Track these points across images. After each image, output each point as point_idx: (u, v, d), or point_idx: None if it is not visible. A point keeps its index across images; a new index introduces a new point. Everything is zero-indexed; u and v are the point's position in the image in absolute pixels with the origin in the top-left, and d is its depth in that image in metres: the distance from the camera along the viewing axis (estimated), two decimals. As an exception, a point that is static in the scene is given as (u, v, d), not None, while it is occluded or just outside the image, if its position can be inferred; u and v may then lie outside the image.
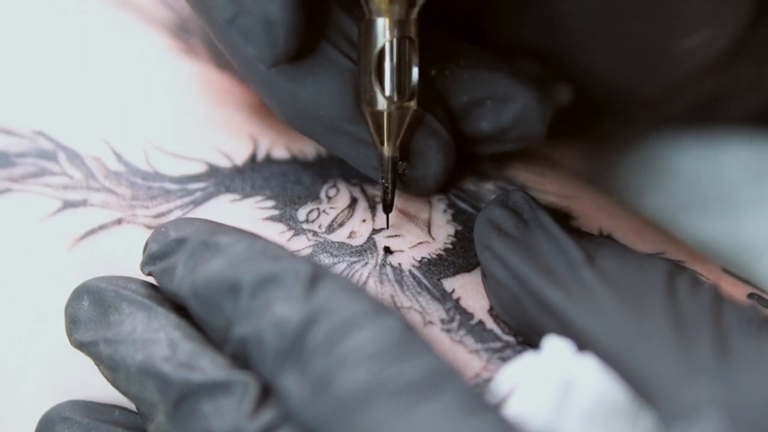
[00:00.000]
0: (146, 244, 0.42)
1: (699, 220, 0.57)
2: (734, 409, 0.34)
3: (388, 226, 0.46)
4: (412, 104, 0.43)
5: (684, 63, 0.49)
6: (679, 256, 0.46)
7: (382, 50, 0.42)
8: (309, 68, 0.43)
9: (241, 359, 0.38)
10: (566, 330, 0.38)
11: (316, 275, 0.37)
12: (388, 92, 0.42)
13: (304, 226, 0.45)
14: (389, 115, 0.43)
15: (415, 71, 0.43)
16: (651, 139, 0.60)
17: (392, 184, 0.44)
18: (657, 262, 0.39)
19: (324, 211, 0.46)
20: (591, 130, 0.57)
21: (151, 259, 0.41)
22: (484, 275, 0.43)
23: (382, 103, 0.43)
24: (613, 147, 0.60)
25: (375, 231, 0.45)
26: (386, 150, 0.43)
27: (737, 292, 0.44)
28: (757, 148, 0.59)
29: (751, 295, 0.44)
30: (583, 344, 0.37)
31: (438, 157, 0.45)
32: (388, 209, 0.45)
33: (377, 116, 0.43)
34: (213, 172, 0.47)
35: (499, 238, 0.42)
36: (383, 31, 0.42)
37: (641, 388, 0.36)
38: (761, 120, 0.58)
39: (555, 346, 0.37)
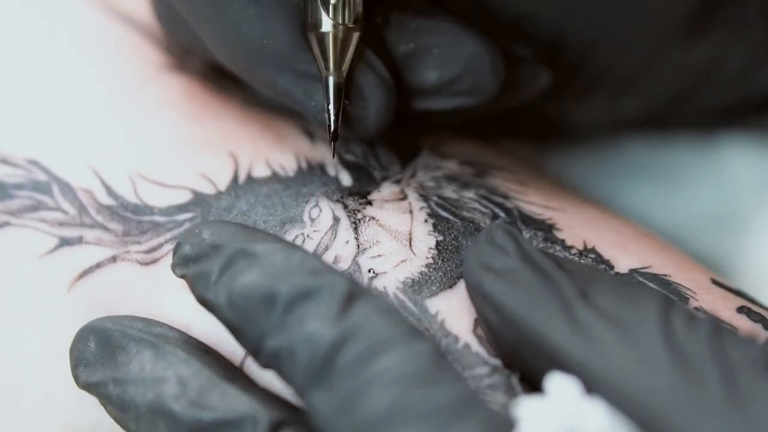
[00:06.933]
0: (178, 245, 0.41)
1: (705, 238, 0.58)
2: None
3: (333, 156, 0.46)
4: (357, 27, 0.43)
5: (650, 26, 0.48)
6: (665, 269, 0.46)
7: None
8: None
9: (273, 371, 0.38)
10: (569, 372, 0.38)
11: (353, 293, 0.38)
12: (332, 13, 0.43)
13: None
14: (334, 36, 0.43)
15: None
16: (656, 155, 0.60)
17: (337, 112, 0.44)
18: (650, 297, 0.39)
19: (308, 236, 0.46)
20: (577, 115, 0.56)
21: (184, 261, 0.41)
22: (483, 322, 0.42)
23: (327, 24, 0.43)
24: (618, 164, 0.60)
25: (358, 252, 0.46)
26: (332, 76, 0.44)
27: (726, 305, 0.45)
28: (765, 161, 0.59)
29: (740, 309, 0.45)
30: (587, 386, 0.37)
31: (378, 95, 0.44)
32: (334, 137, 0.44)
33: (322, 39, 0.43)
34: (198, 200, 0.47)
35: (491, 282, 0.41)
36: None
37: (651, 430, 0.36)
38: (757, 115, 0.58)
39: (560, 387, 0.37)
